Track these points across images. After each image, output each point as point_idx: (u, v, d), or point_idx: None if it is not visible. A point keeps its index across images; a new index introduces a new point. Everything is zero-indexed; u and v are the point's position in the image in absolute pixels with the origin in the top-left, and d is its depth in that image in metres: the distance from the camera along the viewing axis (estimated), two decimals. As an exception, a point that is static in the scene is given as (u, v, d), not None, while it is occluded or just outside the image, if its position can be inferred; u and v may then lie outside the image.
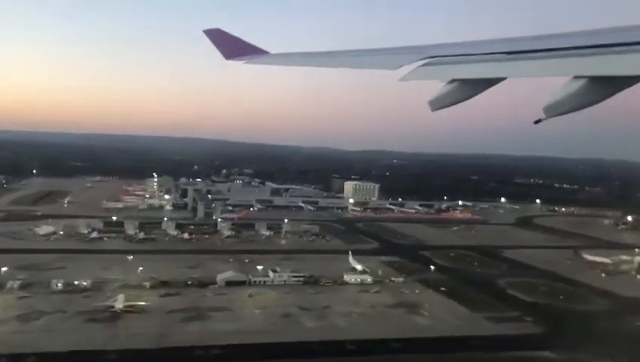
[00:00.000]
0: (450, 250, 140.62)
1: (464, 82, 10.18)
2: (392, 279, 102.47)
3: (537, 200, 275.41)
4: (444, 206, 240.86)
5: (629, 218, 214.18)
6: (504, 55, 10.30)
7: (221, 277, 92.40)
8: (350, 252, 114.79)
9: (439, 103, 10.28)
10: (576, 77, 8.49)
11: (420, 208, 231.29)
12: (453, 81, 10.26)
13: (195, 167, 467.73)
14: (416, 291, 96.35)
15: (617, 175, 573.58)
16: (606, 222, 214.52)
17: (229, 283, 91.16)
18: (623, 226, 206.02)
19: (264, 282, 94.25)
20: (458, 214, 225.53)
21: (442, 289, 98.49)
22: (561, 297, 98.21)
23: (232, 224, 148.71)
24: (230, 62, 17.03)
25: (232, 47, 17.72)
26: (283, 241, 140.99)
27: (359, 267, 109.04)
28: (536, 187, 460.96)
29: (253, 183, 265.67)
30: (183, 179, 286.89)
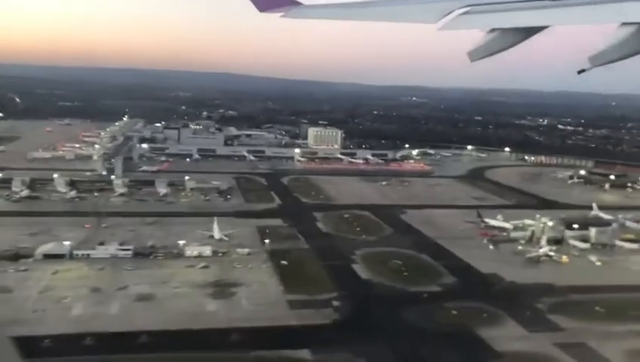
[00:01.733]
0: (349, 211, 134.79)
1: (505, 31, 10.04)
2: (238, 251, 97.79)
3: (507, 148, 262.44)
4: (398, 155, 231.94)
5: (582, 172, 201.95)
6: (548, 2, 10.04)
7: (40, 250, 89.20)
8: (215, 218, 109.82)
9: (479, 54, 10.18)
10: (625, 23, 8.26)
11: (371, 158, 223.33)
12: (493, 30, 10.14)
13: (183, 107, 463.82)
14: (250, 266, 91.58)
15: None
16: (560, 175, 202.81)
17: (47, 256, 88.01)
18: (576, 181, 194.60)
19: (88, 255, 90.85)
20: (407, 165, 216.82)
21: (283, 263, 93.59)
22: (406, 274, 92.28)
23: (130, 181, 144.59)
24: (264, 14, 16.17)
25: None
26: (174, 200, 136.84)
27: (217, 235, 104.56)
28: (534, 129, 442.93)
29: (211, 129, 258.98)
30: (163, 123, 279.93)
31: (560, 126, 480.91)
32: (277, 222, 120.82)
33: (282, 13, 15.87)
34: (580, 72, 8.53)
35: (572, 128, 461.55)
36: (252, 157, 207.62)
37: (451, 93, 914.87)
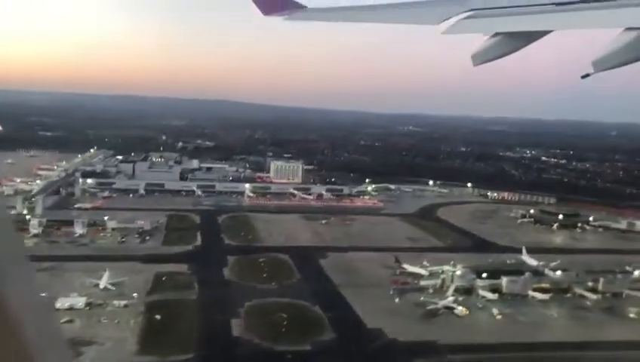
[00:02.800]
0: (269, 254, 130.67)
1: (509, 35, 10.05)
2: (114, 303, 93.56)
3: (469, 184, 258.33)
4: (354, 191, 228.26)
5: (532, 211, 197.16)
6: (551, 6, 10.03)
7: None
8: (107, 269, 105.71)
9: (482, 57, 10.23)
10: (629, 29, 8.27)
11: (325, 193, 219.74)
12: (497, 34, 10.14)
13: (164, 137, 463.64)
14: (118, 321, 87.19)
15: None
16: (513, 214, 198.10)
17: None
18: (525, 220, 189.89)
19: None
20: (359, 201, 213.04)
21: (156, 317, 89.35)
22: (284, 330, 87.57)
23: (49, 220, 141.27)
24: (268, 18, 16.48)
25: (270, 2, 16.91)
26: (87, 242, 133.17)
27: (102, 284, 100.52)
28: (517, 161, 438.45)
29: (170, 162, 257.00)
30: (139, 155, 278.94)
31: (544, 158, 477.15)
32: (181, 268, 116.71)
33: (286, 16, 15.89)
34: (584, 76, 8.52)
35: (555, 161, 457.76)
36: (200, 193, 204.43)
37: (451, 121, 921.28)
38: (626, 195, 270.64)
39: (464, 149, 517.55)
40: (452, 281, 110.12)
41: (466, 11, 10.93)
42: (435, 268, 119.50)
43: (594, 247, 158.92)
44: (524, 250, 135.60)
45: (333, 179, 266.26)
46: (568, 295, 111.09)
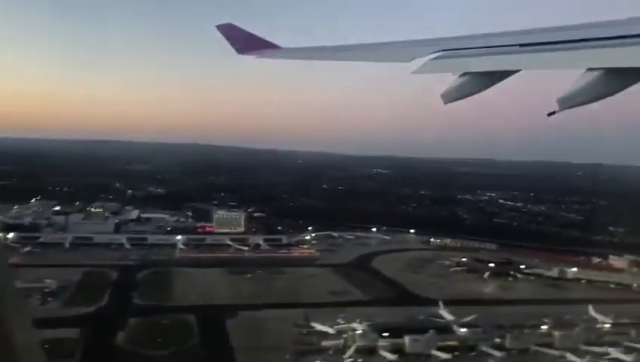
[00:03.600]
0: (175, 315, 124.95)
1: (477, 75, 10.40)
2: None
3: (411, 230, 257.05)
4: (294, 240, 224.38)
5: (464, 259, 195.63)
6: (517, 47, 10.42)
7: None
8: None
9: (452, 96, 10.63)
10: (591, 69, 8.70)
11: (262, 243, 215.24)
12: (465, 73, 10.49)
13: (117, 184, 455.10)
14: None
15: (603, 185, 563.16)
16: (448, 262, 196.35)
17: None
18: (457, 269, 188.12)
19: None
20: (296, 251, 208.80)
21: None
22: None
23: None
24: (241, 56, 17.19)
25: (244, 42, 17.76)
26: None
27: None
28: (472, 205, 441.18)
29: (107, 213, 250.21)
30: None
31: (501, 201, 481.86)
32: (71, 333, 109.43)
33: (259, 55, 16.44)
34: (550, 114, 8.76)
35: (512, 204, 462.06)
36: (129, 246, 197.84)
37: (420, 163, 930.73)
38: (570, 240, 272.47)
39: (423, 193, 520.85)
40: (354, 341, 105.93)
41: (436, 51, 11.45)
42: (344, 326, 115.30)
43: (519, 298, 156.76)
44: (441, 304, 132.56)
45: (280, 228, 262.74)
46: (473, 353, 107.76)
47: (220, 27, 19.23)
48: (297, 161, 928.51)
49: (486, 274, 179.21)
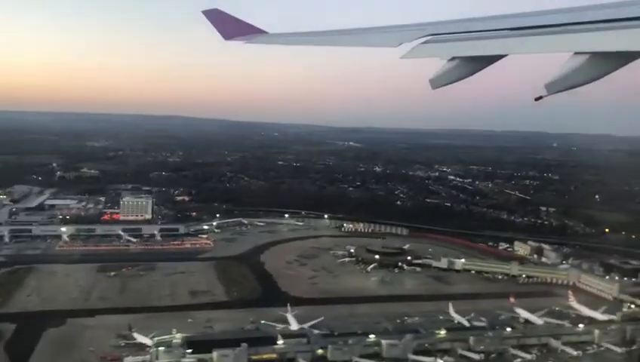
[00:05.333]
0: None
1: (465, 59, 10.47)
2: None
3: (325, 216, 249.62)
4: (192, 229, 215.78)
5: (352, 249, 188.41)
6: (506, 31, 10.40)
7: None
8: None
9: (440, 81, 10.70)
10: (578, 53, 8.71)
11: (157, 234, 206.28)
12: (454, 58, 10.61)
13: (54, 164, 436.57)
14: None
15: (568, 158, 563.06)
16: (341, 252, 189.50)
17: None
18: (346, 260, 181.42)
19: None
20: (189, 242, 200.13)
21: None
22: None
23: None
24: (229, 42, 17.13)
25: (231, 27, 17.80)
26: None
27: None
28: (417, 182, 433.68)
29: (6, 200, 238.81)
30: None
31: (451, 177, 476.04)
32: None
33: (246, 41, 16.94)
34: (537, 98, 8.86)
35: (460, 180, 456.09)
36: (7, 239, 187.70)
37: (396, 134, 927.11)
38: (493, 222, 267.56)
39: (376, 169, 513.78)
40: (156, 358, 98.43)
41: (424, 36, 11.54)
42: (166, 337, 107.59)
43: (391, 294, 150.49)
44: (288, 308, 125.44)
45: (195, 213, 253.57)
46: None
47: (206, 12, 19.17)
48: (274, 133, 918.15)
49: (371, 266, 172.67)
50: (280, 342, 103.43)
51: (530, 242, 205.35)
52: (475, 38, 10.76)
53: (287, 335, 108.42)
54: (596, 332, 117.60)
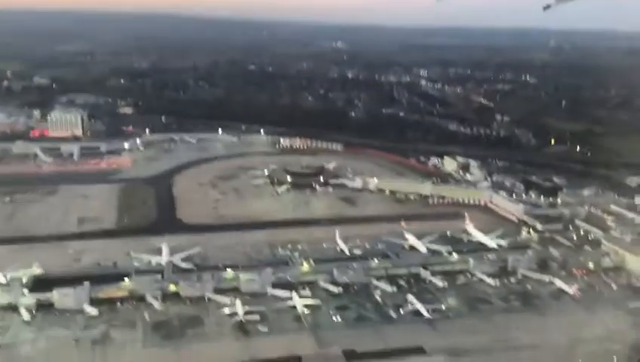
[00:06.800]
0: None
1: None
2: None
3: (261, 130, 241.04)
4: (115, 147, 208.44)
5: (266, 171, 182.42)
6: None
7: None
8: None
9: None
10: None
11: (75, 152, 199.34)
12: None
13: (9, 72, 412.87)
14: None
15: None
16: (259, 172, 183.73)
17: None
18: (261, 181, 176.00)
19: None
20: (106, 162, 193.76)
21: None
22: None
23: None
24: None
25: None
26: None
27: None
28: (386, 88, 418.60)
29: None
30: None
31: (423, 82, 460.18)
32: None
33: None
34: (546, 7, 13.61)
35: (431, 85, 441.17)
36: None
37: (393, 32, 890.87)
38: (440, 135, 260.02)
39: (350, 75, 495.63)
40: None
41: None
42: (17, 274, 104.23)
43: (291, 218, 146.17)
44: (164, 246, 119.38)
45: (130, 128, 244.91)
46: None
47: None
48: (262, 33, 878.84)
49: (283, 187, 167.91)
50: (126, 279, 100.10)
51: (459, 158, 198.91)
52: None
53: (143, 271, 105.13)
54: (471, 261, 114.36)
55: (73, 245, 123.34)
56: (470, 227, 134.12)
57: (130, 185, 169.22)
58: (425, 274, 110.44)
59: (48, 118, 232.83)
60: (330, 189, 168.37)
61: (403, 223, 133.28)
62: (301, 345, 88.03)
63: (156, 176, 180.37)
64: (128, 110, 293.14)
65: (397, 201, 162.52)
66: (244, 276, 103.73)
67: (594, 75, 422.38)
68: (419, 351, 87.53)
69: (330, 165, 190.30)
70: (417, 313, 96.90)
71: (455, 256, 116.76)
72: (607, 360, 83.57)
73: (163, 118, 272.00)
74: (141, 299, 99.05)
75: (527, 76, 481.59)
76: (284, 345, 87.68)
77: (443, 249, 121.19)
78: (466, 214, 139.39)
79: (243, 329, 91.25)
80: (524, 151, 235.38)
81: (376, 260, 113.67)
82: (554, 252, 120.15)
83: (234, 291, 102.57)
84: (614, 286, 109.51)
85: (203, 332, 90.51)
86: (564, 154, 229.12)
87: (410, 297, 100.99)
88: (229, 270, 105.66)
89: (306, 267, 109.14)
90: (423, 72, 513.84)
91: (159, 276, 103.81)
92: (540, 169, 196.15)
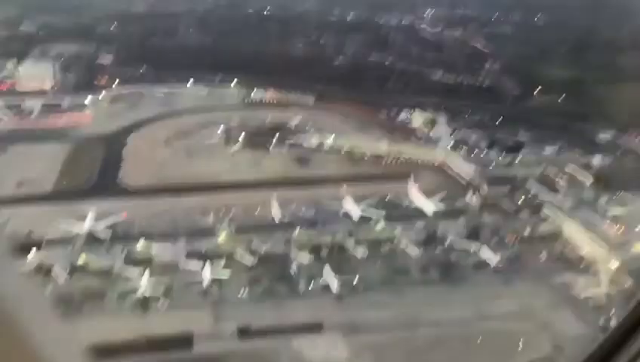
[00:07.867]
0: None
1: None
2: None
3: (235, 79, 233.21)
4: (77, 102, 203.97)
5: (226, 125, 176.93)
6: None
7: None
8: None
9: None
10: None
11: (36, 108, 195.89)
12: None
13: None
14: None
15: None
16: (220, 130, 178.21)
17: None
18: (215, 141, 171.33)
19: None
20: (66, 117, 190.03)
21: None
22: None
23: None
24: None
25: None
26: None
27: None
28: (378, 33, 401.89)
29: None
30: None
31: (423, 25, 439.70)
32: None
33: None
34: None
35: (429, 30, 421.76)
36: None
37: None
38: (422, 87, 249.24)
39: (349, 19, 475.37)
40: None
41: None
42: None
43: (236, 180, 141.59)
44: (89, 215, 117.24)
45: (102, 82, 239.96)
46: None
47: None
48: None
49: (234, 148, 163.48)
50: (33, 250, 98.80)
51: (430, 111, 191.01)
52: None
53: (55, 240, 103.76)
54: (398, 229, 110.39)
55: (2, 211, 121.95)
56: (413, 190, 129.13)
57: (83, 145, 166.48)
58: (349, 243, 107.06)
59: (18, 70, 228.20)
60: (285, 149, 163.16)
61: (343, 186, 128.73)
62: (199, 321, 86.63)
63: (111, 134, 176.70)
64: (108, 60, 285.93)
65: (349, 161, 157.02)
66: (156, 247, 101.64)
67: (614, 16, 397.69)
68: (317, 327, 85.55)
69: (294, 121, 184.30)
70: (328, 287, 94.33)
71: (382, 223, 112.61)
72: (511, 340, 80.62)
73: (142, 69, 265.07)
74: (48, 271, 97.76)
75: (535, 18, 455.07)
76: (182, 321, 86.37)
77: (375, 215, 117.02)
78: (411, 176, 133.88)
79: (144, 304, 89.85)
80: (504, 102, 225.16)
81: (298, 229, 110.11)
82: (487, 218, 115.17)
83: (147, 263, 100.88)
84: (544, 257, 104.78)
85: (101, 307, 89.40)
86: (546, 105, 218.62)
87: (327, 269, 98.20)
88: (142, 240, 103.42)
89: (223, 237, 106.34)
90: (429, 12, 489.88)
91: (70, 247, 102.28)
92: (514, 123, 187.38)
